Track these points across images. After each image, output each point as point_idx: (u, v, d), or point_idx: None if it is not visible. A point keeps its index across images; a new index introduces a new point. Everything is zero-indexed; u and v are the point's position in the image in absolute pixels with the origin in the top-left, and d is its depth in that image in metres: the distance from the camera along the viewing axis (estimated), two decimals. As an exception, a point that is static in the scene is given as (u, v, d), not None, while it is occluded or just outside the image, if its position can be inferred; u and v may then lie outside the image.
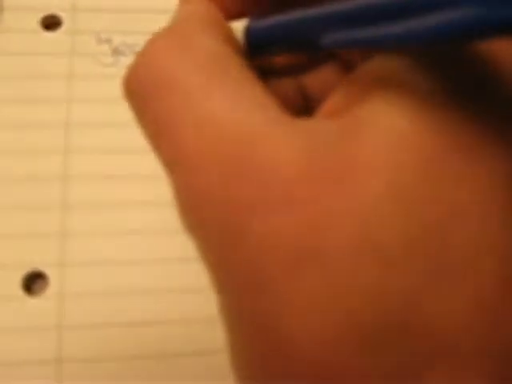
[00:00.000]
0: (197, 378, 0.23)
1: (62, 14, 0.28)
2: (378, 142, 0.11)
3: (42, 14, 0.28)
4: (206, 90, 0.13)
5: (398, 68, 0.12)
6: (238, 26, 0.15)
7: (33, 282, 0.24)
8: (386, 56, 0.13)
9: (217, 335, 0.24)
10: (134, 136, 0.26)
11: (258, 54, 0.15)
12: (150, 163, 0.26)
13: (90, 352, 0.23)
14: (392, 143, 0.11)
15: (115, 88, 0.27)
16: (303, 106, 0.17)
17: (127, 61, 0.28)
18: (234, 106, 0.12)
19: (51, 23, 0.28)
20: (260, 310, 0.11)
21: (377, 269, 0.11)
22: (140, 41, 0.28)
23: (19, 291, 0.24)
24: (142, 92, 0.14)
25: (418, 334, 0.11)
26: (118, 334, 0.24)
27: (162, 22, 0.29)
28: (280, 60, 0.17)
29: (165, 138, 0.13)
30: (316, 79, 0.17)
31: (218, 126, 0.12)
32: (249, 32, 0.15)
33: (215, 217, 0.12)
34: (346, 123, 0.12)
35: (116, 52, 0.28)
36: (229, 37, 0.14)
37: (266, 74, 0.15)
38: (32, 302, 0.24)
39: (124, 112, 0.27)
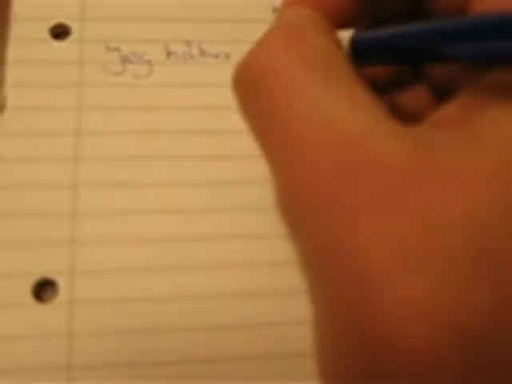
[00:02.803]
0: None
1: (71, 24, 0.28)
2: (496, 151, 0.11)
3: (51, 24, 0.28)
4: (320, 85, 0.13)
5: None
6: (344, 36, 0.15)
7: (43, 289, 0.24)
8: (504, 70, 0.13)
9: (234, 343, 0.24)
10: (144, 144, 0.26)
11: (361, 65, 0.15)
12: (160, 171, 0.26)
13: (100, 359, 0.23)
14: (510, 151, 0.11)
15: (124, 96, 0.27)
16: None
17: (136, 69, 0.28)
18: (348, 104, 0.13)
19: (60, 32, 0.28)
20: (361, 309, 0.11)
21: (488, 275, 0.11)
22: (149, 49, 0.28)
23: (29, 299, 0.24)
24: (254, 83, 0.14)
25: None
26: (128, 342, 0.24)
27: (170, 30, 0.29)
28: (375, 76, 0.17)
29: (274, 129, 0.13)
30: (405, 96, 0.17)
31: (331, 122, 0.12)
32: (354, 43, 0.15)
33: (321, 212, 0.12)
34: (461, 132, 0.12)
35: (125, 60, 0.28)
36: (337, 40, 0.15)
37: None
38: (42, 310, 0.24)
39: (133, 120, 0.27)
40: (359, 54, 0.15)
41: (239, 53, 0.29)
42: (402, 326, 0.11)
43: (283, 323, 0.24)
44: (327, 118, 0.12)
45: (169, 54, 0.28)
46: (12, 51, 0.28)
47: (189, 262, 0.25)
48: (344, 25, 0.16)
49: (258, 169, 0.26)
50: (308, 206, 0.12)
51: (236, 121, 0.27)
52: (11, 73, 0.27)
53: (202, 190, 0.26)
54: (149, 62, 0.28)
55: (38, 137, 0.26)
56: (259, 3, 0.29)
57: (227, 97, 0.27)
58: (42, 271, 0.24)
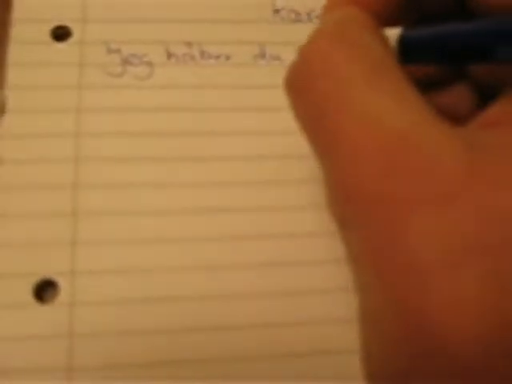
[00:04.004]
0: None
1: (72, 25, 0.28)
2: None
3: (52, 25, 0.28)
4: (371, 83, 0.13)
5: None
6: (392, 34, 0.16)
7: (44, 290, 0.24)
8: None
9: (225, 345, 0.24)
10: (145, 145, 0.26)
11: (408, 63, 0.15)
12: (161, 172, 0.26)
13: (100, 360, 0.23)
14: None
15: (124, 98, 0.27)
16: None
17: (136, 71, 0.28)
18: (399, 102, 0.13)
19: (61, 34, 0.28)
20: (413, 305, 0.11)
21: None
22: (149, 51, 0.28)
23: (30, 299, 0.24)
24: (306, 83, 0.15)
25: None
26: (129, 342, 0.24)
27: (171, 32, 0.29)
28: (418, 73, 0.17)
29: (326, 127, 0.14)
30: (445, 96, 0.18)
31: (382, 120, 0.13)
32: (403, 41, 0.15)
33: (372, 208, 0.12)
34: (508, 133, 0.12)
35: (125, 62, 0.28)
36: (384, 38, 0.15)
37: None
38: (43, 311, 0.24)
39: (133, 121, 0.27)
40: (407, 52, 0.15)
41: (240, 54, 0.29)
42: (453, 323, 0.11)
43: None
44: (379, 116, 0.13)
45: (169, 55, 0.28)
46: (13, 53, 0.28)
47: (190, 262, 0.25)
48: (387, 23, 0.16)
49: (260, 170, 0.27)
50: (360, 204, 0.13)
51: (236, 122, 0.27)
52: (12, 74, 0.27)
53: (203, 190, 0.26)
54: (149, 64, 0.28)
55: (39, 138, 0.26)
56: (260, 4, 0.30)
57: (227, 98, 0.28)
58: (43, 272, 0.24)
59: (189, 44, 0.28)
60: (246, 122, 0.27)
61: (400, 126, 0.12)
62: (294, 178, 0.27)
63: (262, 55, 0.29)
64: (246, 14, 0.29)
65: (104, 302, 0.24)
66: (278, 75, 0.28)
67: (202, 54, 0.28)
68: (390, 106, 0.13)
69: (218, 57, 0.28)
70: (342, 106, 0.13)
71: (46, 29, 0.28)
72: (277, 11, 0.29)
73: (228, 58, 0.28)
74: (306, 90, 0.15)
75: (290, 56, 0.29)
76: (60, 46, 0.28)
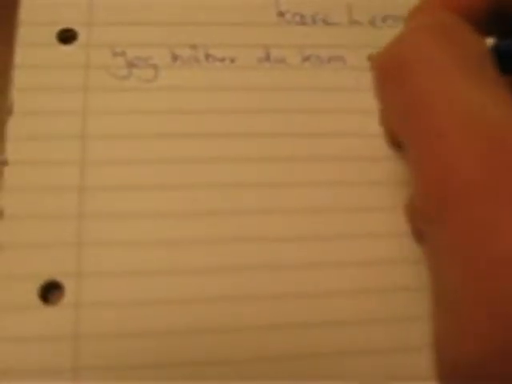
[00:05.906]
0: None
1: (78, 28, 0.28)
2: None
3: (58, 28, 0.28)
4: (471, 79, 0.14)
5: None
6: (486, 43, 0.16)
7: (49, 291, 0.24)
8: None
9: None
10: (150, 147, 0.27)
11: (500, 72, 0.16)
12: (165, 174, 0.26)
13: (106, 361, 0.23)
14: None
15: (129, 100, 0.27)
16: None
17: (142, 73, 0.28)
18: (497, 100, 0.13)
19: (67, 37, 0.28)
20: (507, 298, 0.12)
21: None
22: (154, 54, 0.28)
23: (36, 301, 0.24)
24: (406, 71, 0.15)
25: None
26: (135, 344, 0.24)
27: (176, 35, 0.29)
28: None
29: (424, 117, 0.14)
30: None
31: (482, 114, 0.13)
32: (498, 50, 0.16)
33: (473, 199, 0.12)
34: None
35: (130, 65, 0.28)
36: (481, 41, 0.16)
37: None
38: (49, 312, 0.24)
39: (138, 123, 0.27)
40: (499, 62, 0.16)
41: (245, 57, 0.29)
42: None
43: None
44: (478, 110, 0.13)
45: (174, 58, 0.28)
46: (19, 55, 0.28)
47: (197, 264, 0.25)
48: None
49: (266, 171, 0.27)
50: (458, 193, 0.13)
51: (241, 124, 0.27)
52: (18, 77, 0.27)
53: (206, 192, 0.26)
54: (154, 67, 0.28)
55: (45, 140, 0.26)
56: (264, 7, 0.30)
57: (232, 100, 0.28)
58: (48, 273, 0.24)
59: (194, 47, 0.29)
60: (250, 125, 0.28)
61: (498, 120, 0.13)
62: (301, 180, 0.27)
63: (267, 58, 0.29)
64: (250, 17, 0.29)
65: (109, 304, 0.24)
66: (282, 78, 0.28)
67: (207, 56, 0.28)
68: (488, 102, 0.13)
69: (222, 59, 0.29)
70: (443, 97, 0.14)
71: (52, 31, 0.28)
72: (281, 14, 0.30)
73: (233, 60, 0.29)
74: (403, 78, 0.15)
75: (294, 59, 0.29)
76: (66, 48, 0.28)
